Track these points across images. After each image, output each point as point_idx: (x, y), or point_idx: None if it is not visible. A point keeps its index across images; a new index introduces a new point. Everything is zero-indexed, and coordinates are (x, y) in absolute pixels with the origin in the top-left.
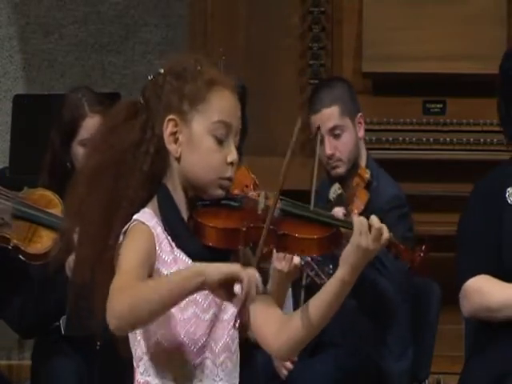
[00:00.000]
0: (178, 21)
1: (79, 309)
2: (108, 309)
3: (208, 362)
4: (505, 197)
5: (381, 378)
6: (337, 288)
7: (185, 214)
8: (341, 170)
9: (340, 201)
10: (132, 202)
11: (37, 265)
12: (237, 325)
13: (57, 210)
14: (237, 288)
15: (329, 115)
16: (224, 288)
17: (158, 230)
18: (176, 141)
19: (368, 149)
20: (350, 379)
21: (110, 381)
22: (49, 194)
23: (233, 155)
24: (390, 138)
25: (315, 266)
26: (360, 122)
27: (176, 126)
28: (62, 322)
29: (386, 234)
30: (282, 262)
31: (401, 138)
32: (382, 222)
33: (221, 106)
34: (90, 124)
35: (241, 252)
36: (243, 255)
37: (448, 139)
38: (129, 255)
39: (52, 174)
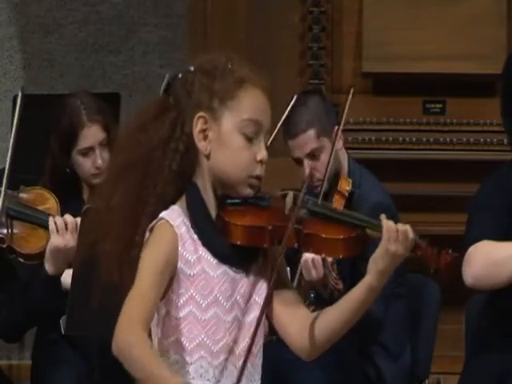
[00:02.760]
0: (178, 21)
1: (79, 309)
2: (115, 332)
3: (228, 364)
4: None
5: (380, 378)
6: (364, 294)
7: (213, 213)
8: (322, 187)
9: None
10: (160, 198)
11: (28, 265)
12: None
13: (52, 208)
14: None
15: (305, 140)
16: None
17: (183, 229)
18: (205, 138)
19: (368, 149)
20: (350, 380)
21: (110, 381)
22: (45, 192)
23: (262, 153)
24: (390, 138)
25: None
26: (337, 134)
27: (206, 123)
28: (62, 321)
29: (411, 235)
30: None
31: (401, 138)
32: None
33: (250, 103)
34: (88, 134)
35: (269, 251)
36: (271, 254)
37: (448, 139)
38: (149, 265)
39: (53, 179)
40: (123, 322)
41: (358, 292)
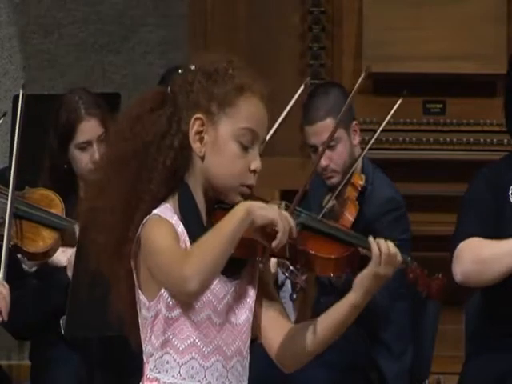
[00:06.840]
0: (178, 21)
1: (79, 309)
2: (183, 276)
3: (218, 365)
4: (508, 195)
5: (380, 378)
6: (348, 311)
7: (203, 214)
8: (335, 179)
9: (332, 213)
10: (153, 195)
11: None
12: (261, 264)
13: (58, 209)
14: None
15: (324, 128)
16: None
17: (180, 227)
18: (201, 140)
19: (368, 149)
20: (350, 380)
21: (110, 380)
22: (50, 193)
23: (256, 163)
24: (390, 138)
25: (289, 266)
26: (355, 130)
27: (202, 125)
28: (62, 322)
29: (399, 257)
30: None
31: (401, 138)
32: (376, 225)
33: (249, 113)
34: (87, 127)
35: (258, 262)
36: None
37: (448, 139)
38: (162, 236)
39: (52, 175)
40: (175, 263)
41: (341, 308)
